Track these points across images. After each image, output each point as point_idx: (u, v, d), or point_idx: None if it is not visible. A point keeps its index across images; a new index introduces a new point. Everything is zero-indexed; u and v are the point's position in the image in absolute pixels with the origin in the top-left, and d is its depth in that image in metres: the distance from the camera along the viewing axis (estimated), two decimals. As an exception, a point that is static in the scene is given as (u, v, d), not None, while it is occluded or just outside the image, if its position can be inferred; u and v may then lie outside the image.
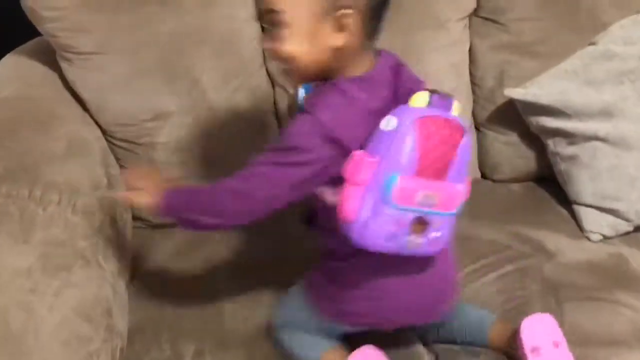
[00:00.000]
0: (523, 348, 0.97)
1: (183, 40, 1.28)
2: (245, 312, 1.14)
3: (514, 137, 1.47)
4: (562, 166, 1.39)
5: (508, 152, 1.48)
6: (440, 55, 1.40)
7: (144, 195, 0.93)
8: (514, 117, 1.44)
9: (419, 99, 0.82)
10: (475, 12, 1.46)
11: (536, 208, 1.42)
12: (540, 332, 0.99)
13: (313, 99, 0.85)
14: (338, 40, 0.83)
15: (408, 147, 0.79)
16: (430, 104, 0.82)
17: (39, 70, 1.33)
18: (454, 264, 1.05)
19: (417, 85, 0.91)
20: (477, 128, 1.50)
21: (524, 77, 1.42)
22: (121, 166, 1.34)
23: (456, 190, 0.86)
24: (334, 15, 0.81)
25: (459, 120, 0.85)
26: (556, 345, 0.99)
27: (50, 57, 1.30)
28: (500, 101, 1.45)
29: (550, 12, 1.41)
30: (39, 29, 1.26)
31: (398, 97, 0.87)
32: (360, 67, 0.87)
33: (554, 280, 1.20)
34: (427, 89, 0.85)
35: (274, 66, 1.37)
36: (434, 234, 0.86)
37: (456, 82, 1.43)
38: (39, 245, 0.95)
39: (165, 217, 0.92)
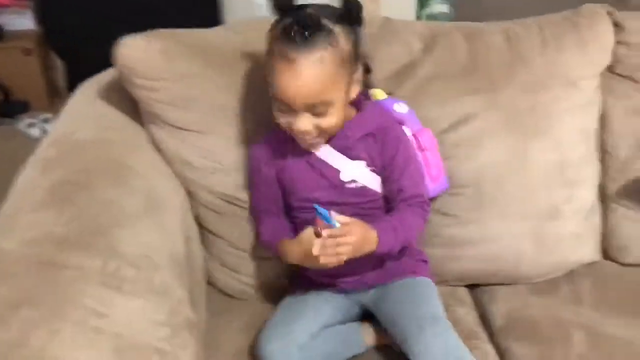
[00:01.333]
0: None
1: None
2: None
3: (650, 216, 1.26)
4: None
5: (641, 232, 1.27)
6: (570, 118, 1.20)
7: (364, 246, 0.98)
8: (651, 193, 1.23)
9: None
10: (609, 69, 1.26)
11: (678, 304, 1.20)
12: None
13: (380, 119, 1.08)
14: (354, 93, 1.03)
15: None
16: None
17: (117, 107, 1.19)
18: None
19: None
20: (603, 202, 1.30)
21: (669, 149, 1.22)
22: (201, 226, 1.19)
23: None
24: (352, 79, 1.01)
25: None
26: None
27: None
28: (635, 174, 1.25)
29: None
30: (130, 92, 1.13)
31: None
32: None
33: None
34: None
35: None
36: None
37: (586, 148, 1.23)
38: (112, 337, 0.79)
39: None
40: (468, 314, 1.19)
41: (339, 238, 0.94)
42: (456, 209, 1.18)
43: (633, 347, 1.09)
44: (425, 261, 1.17)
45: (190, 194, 1.16)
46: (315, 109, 0.97)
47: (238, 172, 1.15)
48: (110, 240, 0.90)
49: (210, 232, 1.19)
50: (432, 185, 1.14)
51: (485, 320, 1.20)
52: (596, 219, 1.28)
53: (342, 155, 1.05)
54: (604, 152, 1.27)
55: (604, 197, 1.29)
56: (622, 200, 1.27)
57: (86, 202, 0.95)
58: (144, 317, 0.85)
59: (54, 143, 1.07)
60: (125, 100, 1.19)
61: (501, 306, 1.21)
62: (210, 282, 1.21)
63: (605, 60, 1.25)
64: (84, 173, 1.00)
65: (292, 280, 1.19)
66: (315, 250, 0.95)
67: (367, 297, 1.12)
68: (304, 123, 0.98)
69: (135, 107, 1.18)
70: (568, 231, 1.22)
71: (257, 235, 1.15)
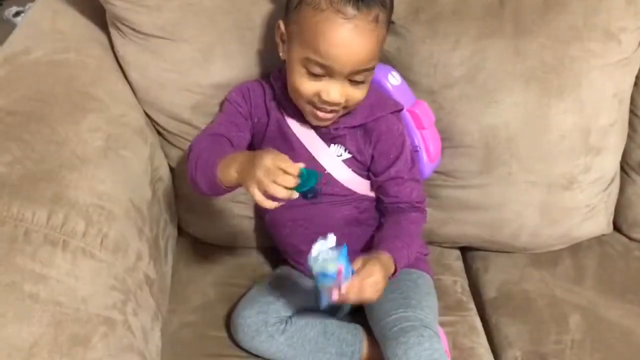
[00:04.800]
0: None
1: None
2: None
3: (671, 191, 1.14)
4: None
5: (658, 207, 1.15)
6: (603, 76, 1.04)
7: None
8: (679, 166, 1.10)
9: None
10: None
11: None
12: None
13: (376, 110, 0.93)
14: None
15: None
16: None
17: (82, 22, 1.04)
18: None
19: None
20: (623, 170, 1.17)
21: None
22: (169, 166, 1.07)
23: None
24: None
25: None
26: None
27: (101, 6, 0.99)
28: (664, 142, 1.11)
29: None
30: None
31: None
32: None
33: None
34: None
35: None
36: None
37: (617, 112, 1.08)
38: (50, 306, 0.69)
39: None
40: (457, 282, 1.09)
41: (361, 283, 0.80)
42: (460, 171, 1.06)
43: (632, 338, 1.00)
44: (424, 254, 1.05)
45: (155, 125, 1.03)
46: (357, 76, 0.84)
47: (213, 93, 0.99)
48: (59, 186, 0.79)
49: (175, 170, 1.06)
50: (430, 165, 1.01)
51: (476, 289, 1.11)
52: (614, 191, 1.16)
53: (322, 140, 0.93)
54: (632, 115, 1.12)
55: (625, 164, 1.16)
56: (644, 171, 1.15)
57: (35, 139, 0.82)
58: (91, 281, 0.75)
59: (3, 63, 0.92)
60: (94, 15, 1.04)
61: (495, 276, 1.12)
62: (181, 228, 1.11)
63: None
64: (37, 102, 0.87)
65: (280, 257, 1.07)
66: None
67: None
68: (340, 92, 0.84)
69: (104, 24, 1.02)
70: (580, 203, 1.10)
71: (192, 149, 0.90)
